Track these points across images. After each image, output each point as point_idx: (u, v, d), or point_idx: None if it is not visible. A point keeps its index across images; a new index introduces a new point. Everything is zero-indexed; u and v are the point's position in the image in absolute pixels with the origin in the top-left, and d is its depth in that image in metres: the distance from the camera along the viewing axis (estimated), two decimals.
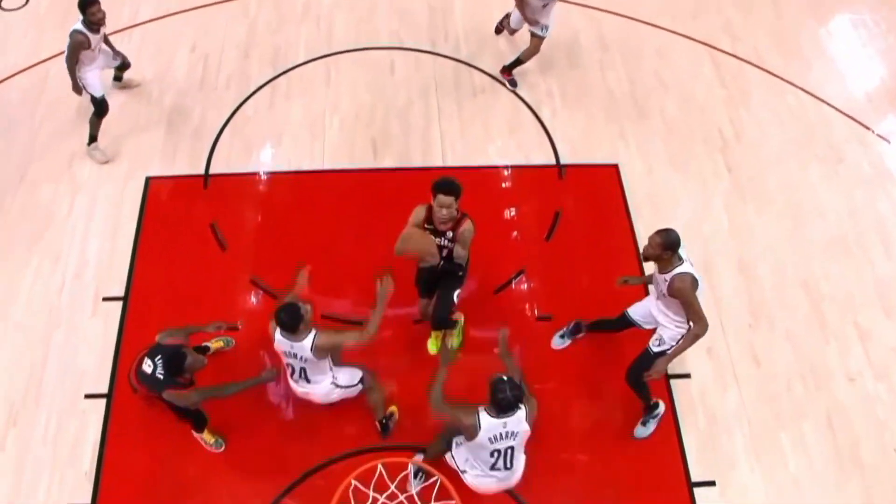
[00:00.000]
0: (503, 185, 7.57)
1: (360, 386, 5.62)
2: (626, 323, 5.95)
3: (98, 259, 6.87)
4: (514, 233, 7.21)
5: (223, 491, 5.72)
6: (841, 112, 8.23)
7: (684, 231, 7.07)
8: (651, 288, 5.77)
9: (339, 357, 5.47)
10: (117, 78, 8.04)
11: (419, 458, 5.41)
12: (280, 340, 5.19)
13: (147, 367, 5.24)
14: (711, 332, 6.43)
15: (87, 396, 6.10)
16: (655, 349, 5.53)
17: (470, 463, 5.01)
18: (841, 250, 7.14)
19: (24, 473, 5.78)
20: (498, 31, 8.68)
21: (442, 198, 5.31)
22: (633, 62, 8.62)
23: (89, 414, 6.03)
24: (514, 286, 6.82)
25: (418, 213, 5.55)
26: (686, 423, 6.09)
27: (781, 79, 8.51)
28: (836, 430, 6.10)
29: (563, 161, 7.66)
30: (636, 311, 5.89)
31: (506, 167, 7.63)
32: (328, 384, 5.46)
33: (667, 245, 5.12)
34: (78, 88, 7.12)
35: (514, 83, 8.28)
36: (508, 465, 4.91)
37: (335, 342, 5.21)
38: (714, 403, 6.21)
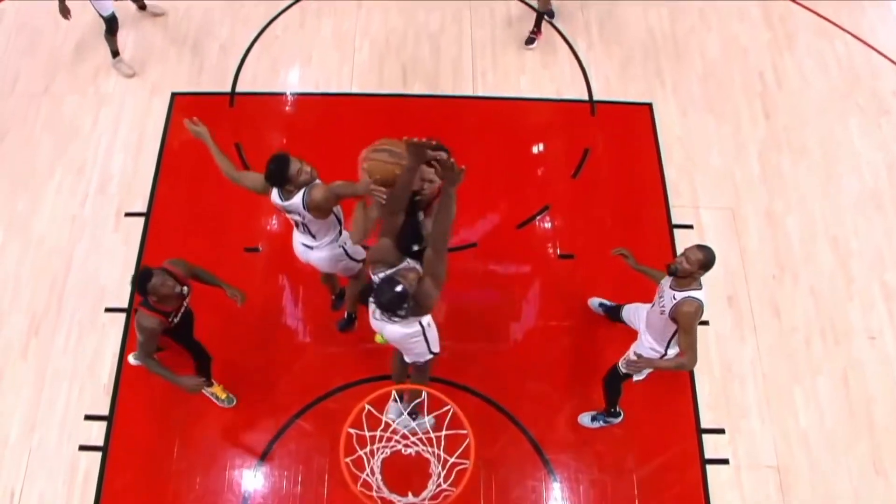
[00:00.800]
0: (533, 118, 7.38)
1: (360, 265, 5.48)
2: (619, 316, 5.70)
3: (121, 174, 6.84)
4: (539, 171, 7.10)
5: (238, 410, 5.80)
6: (892, 61, 7.79)
7: (715, 176, 7.04)
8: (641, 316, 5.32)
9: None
10: (141, 7, 7.83)
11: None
12: (274, 197, 4.94)
13: None
14: (734, 281, 6.45)
15: (108, 310, 6.15)
16: (624, 370, 5.29)
17: None
18: (874, 206, 6.88)
19: (44, 383, 5.88)
20: (530, 41, 7.76)
21: (424, 169, 4.53)
22: None
23: (109, 327, 6.09)
24: (537, 223, 6.73)
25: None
26: (700, 370, 6.03)
27: (831, 22, 8.05)
28: (850, 388, 6.01)
29: (595, 97, 7.43)
30: (627, 312, 5.63)
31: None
32: (337, 249, 5.24)
33: (704, 264, 4.63)
34: (64, 10, 6.86)
35: (550, 13, 7.98)
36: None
37: (330, 193, 4.78)
38: (730, 353, 6.15)
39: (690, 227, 6.71)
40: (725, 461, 5.73)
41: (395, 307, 4.29)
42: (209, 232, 6.55)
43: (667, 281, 4.84)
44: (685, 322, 4.66)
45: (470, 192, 6.79)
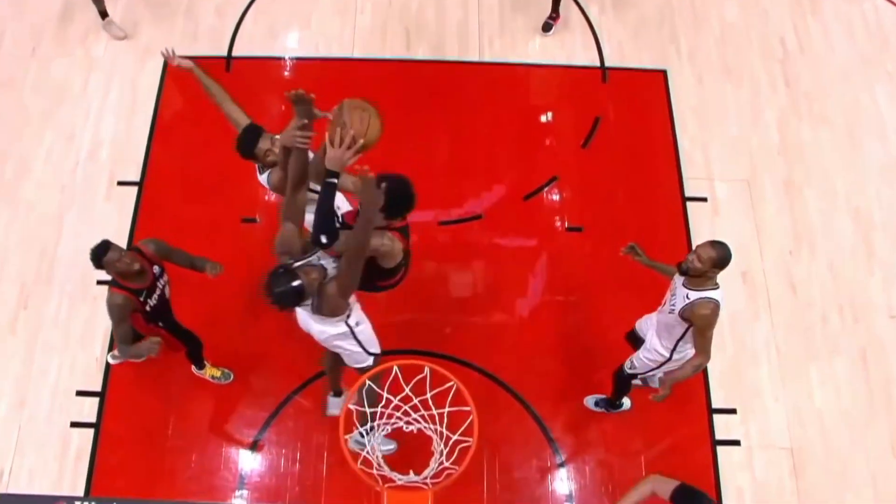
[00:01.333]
0: (541, 85, 7.31)
1: None
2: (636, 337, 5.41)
3: (113, 140, 6.79)
4: (548, 141, 7.04)
5: (235, 386, 5.79)
6: None
7: (730, 147, 6.94)
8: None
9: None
10: None
11: None
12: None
13: None
14: (747, 256, 6.39)
15: (100, 283, 6.02)
16: (628, 370, 5.20)
17: None
18: None
19: (34, 358, 5.87)
20: (547, 27, 7.50)
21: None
22: None
23: (101, 300, 5.81)
24: (545, 194, 6.67)
25: None
26: (713, 349, 5.88)
27: None
28: (869, 367, 5.95)
29: (607, 63, 7.30)
30: (640, 323, 5.35)
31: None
32: None
33: (717, 263, 4.36)
34: None
35: None
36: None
37: (282, 172, 4.59)
38: (743, 329, 6.11)
39: (704, 199, 6.66)
40: (737, 442, 5.72)
41: (287, 303, 4.10)
42: (205, 201, 6.49)
43: (680, 278, 4.63)
44: (702, 324, 4.48)
45: (475, 162, 6.84)
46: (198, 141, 6.72)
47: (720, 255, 4.36)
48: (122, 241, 6.18)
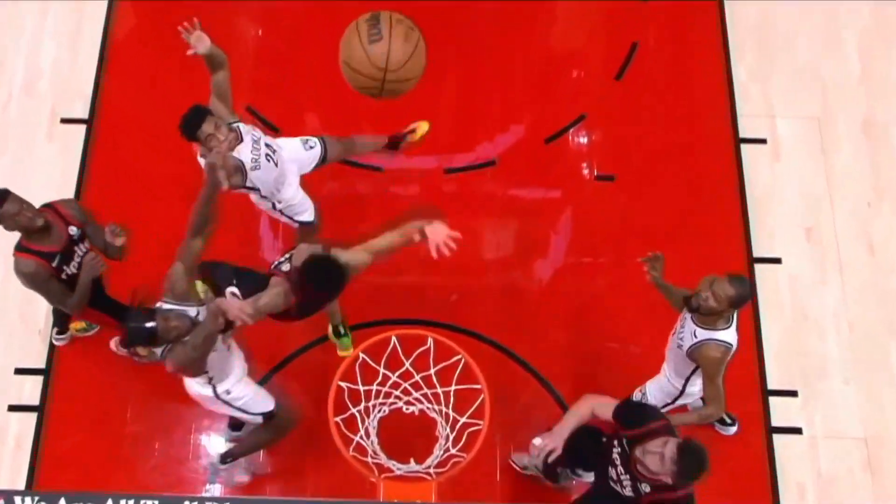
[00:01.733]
0: (568, 4, 7.22)
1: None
2: None
3: (54, 68, 6.74)
4: (575, 72, 6.99)
5: None
6: None
7: (798, 77, 6.80)
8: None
9: None
10: None
11: None
12: None
13: None
14: (815, 208, 6.35)
15: None
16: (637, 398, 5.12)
17: None
18: None
19: None
20: None
21: None
22: None
23: None
24: (570, 136, 6.62)
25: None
26: (768, 319, 5.96)
27: None
28: None
29: None
30: None
31: None
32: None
33: (735, 303, 4.37)
34: None
35: None
36: None
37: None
38: (807, 297, 6.07)
39: (763, 141, 6.60)
40: (798, 430, 5.69)
41: (135, 340, 4.22)
42: (169, 142, 6.24)
43: (688, 315, 4.62)
44: (709, 368, 4.52)
45: (489, 98, 6.76)
46: (159, 70, 6.66)
47: (738, 294, 4.37)
48: (69, 190, 6.27)
